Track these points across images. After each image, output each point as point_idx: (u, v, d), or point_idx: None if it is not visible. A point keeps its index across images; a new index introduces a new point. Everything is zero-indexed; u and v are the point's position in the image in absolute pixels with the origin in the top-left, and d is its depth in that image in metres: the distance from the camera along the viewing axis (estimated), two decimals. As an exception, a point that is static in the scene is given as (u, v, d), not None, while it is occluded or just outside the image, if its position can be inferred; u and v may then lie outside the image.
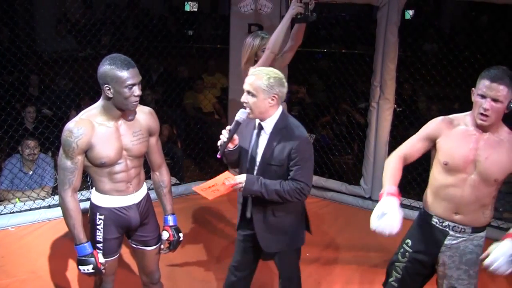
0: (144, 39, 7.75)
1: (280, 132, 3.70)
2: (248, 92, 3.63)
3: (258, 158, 3.79)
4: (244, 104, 3.66)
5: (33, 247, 5.46)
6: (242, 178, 3.69)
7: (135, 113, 3.70)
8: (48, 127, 6.64)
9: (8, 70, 6.61)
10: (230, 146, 3.77)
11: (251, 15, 6.52)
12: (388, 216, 3.24)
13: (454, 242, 3.61)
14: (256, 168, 3.82)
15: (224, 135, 3.69)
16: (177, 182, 6.70)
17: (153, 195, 4.00)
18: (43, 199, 6.03)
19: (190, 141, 7.68)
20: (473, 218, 3.55)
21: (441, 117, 3.65)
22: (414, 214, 5.48)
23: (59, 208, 5.61)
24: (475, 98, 3.39)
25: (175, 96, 7.62)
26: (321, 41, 5.22)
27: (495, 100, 3.28)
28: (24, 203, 5.84)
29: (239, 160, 3.91)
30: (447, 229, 3.62)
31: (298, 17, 4.82)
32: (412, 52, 7.81)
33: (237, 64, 6.53)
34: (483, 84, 3.31)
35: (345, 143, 7.38)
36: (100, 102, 3.56)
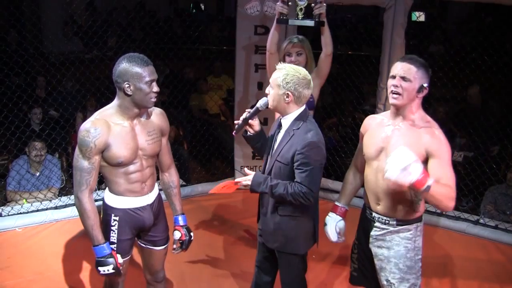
0: (150, 40, 7.77)
1: (293, 131, 3.73)
2: (271, 86, 3.72)
3: (273, 153, 3.84)
4: (267, 95, 3.76)
5: (40, 248, 5.47)
6: (249, 178, 3.74)
7: (149, 113, 3.72)
8: (55, 128, 6.65)
9: (15, 71, 6.63)
10: (251, 131, 3.92)
11: (258, 17, 6.53)
12: (326, 227, 4.04)
13: (379, 233, 3.66)
14: (268, 162, 3.89)
15: (244, 116, 3.82)
16: (183, 183, 6.71)
17: (162, 195, 4.01)
18: (50, 200, 6.04)
19: (196, 142, 7.68)
20: (394, 209, 3.56)
21: (369, 116, 3.83)
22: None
23: (65, 209, 5.69)
24: (388, 82, 3.51)
25: (181, 97, 7.62)
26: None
27: (403, 78, 3.36)
28: (31, 204, 5.85)
29: (261, 149, 4.02)
30: (374, 220, 3.70)
31: (281, 18, 4.86)
32: (419, 53, 7.82)
33: (243, 65, 6.55)
34: (394, 66, 3.45)
35: (352, 145, 7.38)
36: (115, 102, 3.58)
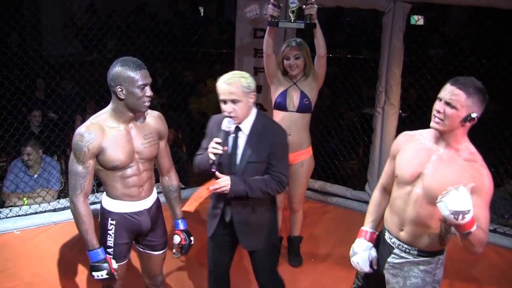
0: (150, 43, 7.77)
1: (259, 131, 3.81)
2: (233, 101, 3.69)
3: (238, 159, 3.86)
4: (229, 114, 3.72)
5: (38, 250, 5.47)
6: (226, 181, 3.75)
7: (145, 116, 3.73)
8: (54, 130, 6.65)
9: (15, 73, 6.63)
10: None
11: (257, 20, 6.54)
12: (356, 256, 3.59)
13: (397, 261, 3.45)
14: (236, 168, 3.88)
15: (217, 148, 3.70)
16: (182, 186, 6.72)
17: (162, 199, 4.03)
18: (49, 203, 6.04)
19: (195, 145, 7.66)
20: (417, 238, 3.33)
21: (403, 133, 3.56)
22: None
23: (64, 212, 5.70)
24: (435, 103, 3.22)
25: (180, 100, 7.62)
26: (326, 46, 5.27)
27: (448, 104, 3.08)
28: (30, 207, 5.85)
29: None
30: (393, 246, 3.47)
31: (272, 20, 4.87)
32: (417, 57, 7.81)
33: (242, 68, 6.55)
34: (444, 87, 3.16)
35: (350, 148, 7.38)
36: (110, 106, 3.59)
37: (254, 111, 3.84)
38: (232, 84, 3.68)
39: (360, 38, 9.44)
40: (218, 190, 3.78)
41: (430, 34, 10.42)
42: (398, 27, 5.84)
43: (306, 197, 6.23)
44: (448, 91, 3.09)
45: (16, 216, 5.75)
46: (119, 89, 3.46)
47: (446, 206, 2.83)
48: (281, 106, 5.12)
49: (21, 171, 6.33)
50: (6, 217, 5.69)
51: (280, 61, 5.10)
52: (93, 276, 3.60)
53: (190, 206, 3.83)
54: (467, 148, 3.18)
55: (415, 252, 3.37)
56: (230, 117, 3.73)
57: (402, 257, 3.42)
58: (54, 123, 7.13)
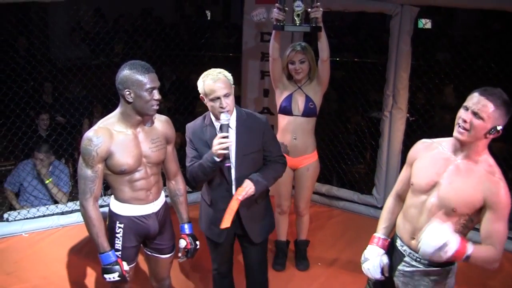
0: (157, 47, 7.78)
1: (245, 122, 3.92)
2: (226, 96, 3.79)
3: (233, 154, 3.91)
4: (225, 108, 3.80)
5: (46, 253, 5.48)
6: (249, 185, 3.85)
7: (153, 120, 3.73)
8: (62, 134, 6.66)
9: (23, 77, 6.65)
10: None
11: (264, 24, 6.54)
12: (367, 263, 3.55)
13: (408, 269, 3.43)
14: (234, 165, 3.94)
15: (226, 142, 3.72)
16: (189, 190, 6.71)
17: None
18: (56, 206, 6.05)
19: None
20: None
21: (421, 140, 3.49)
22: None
23: (72, 215, 5.71)
24: (459, 111, 3.15)
25: (187, 104, 7.63)
26: (333, 50, 5.23)
27: (475, 114, 3.01)
28: (38, 209, 5.86)
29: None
30: (405, 254, 3.44)
31: (278, 24, 4.87)
32: (425, 61, 7.79)
33: (249, 72, 6.56)
34: (470, 96, 3.09)
35: (357, 152, 7.37)
36: (118, 110, 3.60)
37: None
38: (222, 80, 3.80)
39: (368, 41, 9.44)
40: (246, 196, 3.84)
41: (438, 37, 10.40)
42: (406, 30, 5.82)
43: (313, 201, 6.24)
44: (477, 101, 3.03)
45: (24, 219, 5.76)
46: (127, 93, 3.47)
47: (426, 247, 2.96)
48: (286, 110, 5.12)
49: (29, 174, 6.35)
50: (15, 220, 5.71)
51: (285, 66, 5.10)
52: (105, 278, 3.62)
53: (226, 222, 3.85)
54: (486, 160, 3.14)
55: (426, 262, 3.32)
56: (225, 111, 3.80)
57: (412, 266, 3.40)
58: (62, 127, 7.14)
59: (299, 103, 5.08)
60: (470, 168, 3.12)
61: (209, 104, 3.85)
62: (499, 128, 3.01)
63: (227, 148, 3.71)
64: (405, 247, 3.43)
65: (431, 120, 7.68)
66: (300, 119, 5.09)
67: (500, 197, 3.02)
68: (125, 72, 3.47)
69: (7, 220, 5.70)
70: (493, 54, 6.75)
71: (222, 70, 3.92)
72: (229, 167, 3.89)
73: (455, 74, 6.45)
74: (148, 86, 3.46)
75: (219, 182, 4.01)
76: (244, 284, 4.48)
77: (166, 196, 4.03)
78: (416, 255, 3.34)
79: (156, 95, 3.52)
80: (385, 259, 3.53)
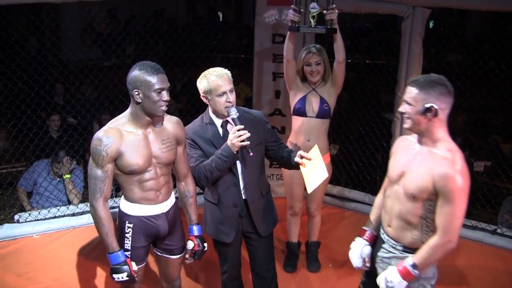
0: (169, 48, 7.79)
1: (244, 116, 4.00)
2: (230, 90, 3.94)
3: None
4: (231, 103, 3.94)
5: (57, 254, 5.48)
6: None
7: (163, 121, 3.74)
8: (73, 135, 6.68)
9: (34, 78, 6.66)
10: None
11: (275, 25, 6.53)
12: (350, 252, 3.83)
13: (386, 255, 3.60)
14: (239, 160, 4.03)
15: (245, 133, 3.83)
16: (200, 191, 6.72)
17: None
18: (67, 207, 6.06)
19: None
20: (401, 235, 3.47)
21: (400, 137, 3.79)
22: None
23: (83, 216, 5.71)
24: None
25: (199, 105, 7.61)
26: (345, 52, 5.27)
27: (407, 102, 3.29)
28: (49, 211, 5.87)
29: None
30: (384, 241, 3.63)
31: (293, 25, 4.87)
32: (437, 62, 7.77)
33: (260, 74, 6.55)
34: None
35: (369, 153, 7.35)
36: (128, 111, 3.62)
37: None
38: (225, 76, 3.96)
39: (379, 43, 9.42)
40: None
41: (449, 39, 10.37)
42: (417, 32, 5.80)
43: (324, 203, 6.24)
44: (406, 91, 3.32)
45: (35, 220, 5.77)
46: (136, 93, 3.48)
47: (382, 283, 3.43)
48: (301, 112, 5.11)
49: (40, 176, 6.37)
50: (26, 221, 5.71)
51: (300, 68, 5.10)
52: (114, 278, 3.63)
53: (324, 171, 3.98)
54: (444, 145, 3.29)
55: (401, 248, 3.50)
56: (231, 106, 3.94)
57: (390, 252, 3.57)
58: (73, 128, 7.15)
59: (313, 105, 5.08)
60: (427, 155, 3.30)
61: (214, 100, 3.94)
62: (428, 105, 3.20)
63: (246, 139, 3.80)
64: (384, 235, 3.63)
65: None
66: (314, 121, 5.09)
67: (447, 181, 3.14)
68: (135, 73, 3.49)
69: (18, 221, 5.70)
70: (505, 56, 6.69)
71: (221, 68, 4.04)
72: (244, 156, 4.00)
73: (466, 75, 6.41)
74: (156, 87, 3.47)
75: (226, 177, 4.07)
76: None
77: (177, 197, 4.03)
78: (393, 241, 3.53)
79: (165, 96, 3.52)
80: (366, 250, 3.76)
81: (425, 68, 6.03)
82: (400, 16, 5.89)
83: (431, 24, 10.54)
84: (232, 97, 3.93)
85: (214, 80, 3.93)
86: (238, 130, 3.82)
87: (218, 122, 4.04)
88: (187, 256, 4.06)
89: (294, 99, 5.19)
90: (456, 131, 7.81)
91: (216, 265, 4.62)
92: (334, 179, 6.59)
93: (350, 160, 7.19)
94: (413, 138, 3.50)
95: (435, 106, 3.20)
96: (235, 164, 4.02)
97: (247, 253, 4.45)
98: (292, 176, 5.23)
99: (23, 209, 6.32)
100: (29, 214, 5.78)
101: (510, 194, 6.32)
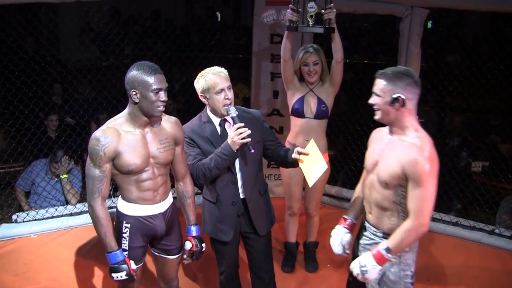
0: (167, 48, 7.78)
1: (242, 116, 4.00)
2: (228, 87, 3.97)
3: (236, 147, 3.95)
4: (229, 101, 3.98)
5: (55, 254, 5.48)
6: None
7: (161, 121, 3.74)
8: (71, 135, 6.67)
9: (32, 78, 6.66)
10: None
11: (274, 25, 6.53)
12: (331, 239, 3.96)
13: (367, 242, 3.69)
14: (238, 158, 4.05)
15: (245, 131, 3.85)
16: (199, 191, 6.72)
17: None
18: (65, 207, 6.05)
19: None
20: (381, 221, 3.57)
21: (376, 129, 3.83)
22: (436, 225, 5.48)
23: (81, 216, 5.71)
24: None
25: (197, 105, 7.61)
26: (343, 52, 5.25)
27: (375, 94, 3.45)
28: (46, 211, 5.87)
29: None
30: (366, 229, 3.74)
31: (291, 25, 4.88)
32: (435, 63, 7.77)
33: (259, 74, 6.55)
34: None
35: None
36: (126, 110, 3.62)
37: None
38: (223, 74, 3.99)
39: (378, 43, 9.42)
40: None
41: (448, 39, 10.37)
42: (416, 32, 5.80)
43: (322, 203, 6.24)
44: (374, 84, 3.47)
45: (33, 220, 5.77)
46: (134, 93, 3.48)
47: (355, 270, 3.52)
48: (299, 112, 5.12)
49: (38, 176, 6.37)
50: (23, 221, 5.71)
51: (298, 68, 5.10)
52: (113, 277, 3.63)
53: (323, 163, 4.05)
54: (413, 133, 3.40)
55: (381, 235, 3.59)
56: (229, 104, 3.97)
57: (371, 239, 3.67)
58: (71, 128, 7.15)
59: (311, 105, 5.09)
60: (397, 143, 3.42)
61: (212, 98, 3.97)
62: (396, 95, 3.33)
63: (247, 136, 3.82)
64: (366, 223, 3.74)
65: (441, 122, 7.66)
66: (312, 121, 5.10)
67: (416, 165, 3.26)
68: (133, 73, 3.49)
69: (16, 221, 5.71)
70: (504, 57, 6.70)
71: (218, 67, 4.07)
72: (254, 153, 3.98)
73: (464, 76, 6.42)
74: (154, 87, 3.48)
75: (224, 176, 4.08)
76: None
77: (174, 197, 4.03)
78: (373, 229, 3.64)
79: (163, 96, 3.52)
80: (346, 237, 3.87)
81: (423, 68, 6.04)
82: (399, 17, 5.90)
83: (430, 25, 10.53)
84: (230, 94, 3.96)
85: (211, 78, 3.96)
86: (238, 128, 3.83)
87: (216, 120, 4.06)
88: (185, 256, 4.06)
89: (292, 100, 5.19)
90: (454, 131, 7.82)
91: (214, 265, 4.62)
92: (332, 179, 6.60)
93: (348, 160, 7.19)
94: (386, 129, 3.61)
95: (402, 96, 3.32)
96: (233, 163, 4.03)
97: (245, 253, 4.45)
98: (291, 176, 5.24)
99: (21, 209, 6.33)
100: (27, 214, 5.78)
101: (508, 195, 6.33)
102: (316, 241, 5.64)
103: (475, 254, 5.59)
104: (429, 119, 7.08)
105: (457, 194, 6.60)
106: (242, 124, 3.84)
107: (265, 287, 4.43)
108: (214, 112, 4.05)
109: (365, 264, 3.45)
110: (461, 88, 6.58)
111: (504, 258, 5.50)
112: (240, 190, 4.13)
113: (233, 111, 3.91)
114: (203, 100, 4.07)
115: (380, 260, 3.41)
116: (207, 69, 4.06)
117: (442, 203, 6.50)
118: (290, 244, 5.65)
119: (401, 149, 3.36)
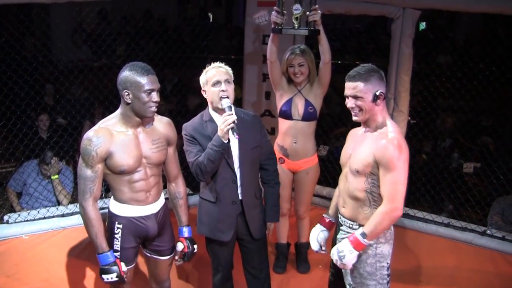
0: (159, 49, 7.77)
1: (243, 118, 4.03)
2: (227, 82, 3.99)
3: (235, 149, 4.04)
4: (226, 93, 3.98)
5: (46, 255, 5.46)
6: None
7: (153, 121, 3.75)
8: (63, 136, 6.66)
9: (24, 79, 6.64)
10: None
11: (266, 26, 6.53)
12: (310, 237, 4.18)
13: (344, 236, 3.75)
14: (237, 158, 4.07)
15: (232, 117, 3.81)
16: (191, 192, 6.70)
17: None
18: (57, 208, 6.04)
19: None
20: (354, 213, 3.68)
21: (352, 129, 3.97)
22: (428, 226, 5.48)
23: (72, 217, 5.69)
24: None
25: (189, 106, 7.61)
26: (335, 53, 5.24)
27: (354, 97, 3.53)
28: (38, 211, 5.85)
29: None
30: (342, 223, 3.82)
31: (276, 27, 4.90)
32: (426, 64, 7.78)
33: (250, 75, 6.55)
34: (345, 86, 3.58)
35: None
36: (118, 111, 3.63)
37: None
38: (222, 69, 4.04)
39: (369, 44, 9.42)
40: None
41: (439, 41, 10.39)
42: (407, 33, 5.81)
43: (313, 204, 6.24)
44: (348, 88, 3.57)
45: (24, 221, 5.75)
46: (126, 93, 3.49)
47: (335, 257, 3.67)
48: (287, 114, 5.13)
49: (31, 173, 6.36)
50: (15, 222, 5.69)
51: (285, 69, 5.10)
52: (103, 279, 3.64)
53: None
54: (384, 123, 3.60)
55: (357, 227, 3.67)
56: (225, 97, 3.97)
57: (348, 233, 3.74)
58: (63, 129, 7.13)
59: (298, 108, 5.09)
60: (370, 134, 3.61)
61: (210, 91, 4.01)
62: (378, 92, 3.52)
63: (233, 122, 3.79)
64: (341, 217, 3.83)
65: (433, 123, 7.67)
66: (300, 124, 5.10)
67: (385, 151, 3.45)
68: (125, 73, 3.50)
69: (7, 222, 5.68)
70: (495, 58, 6.72)
71: (220, 62, 4.15)
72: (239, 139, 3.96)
73: (456, 77, 6.43)
74: (146, 87, 3.48)
75: (224, 174, 4.08)
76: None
77: (166, 198, 4.03)
78: (349, 222, 3.74)
79: (155, 97, 3.53)
80: (322, 235, 4.09)
81: (415, 69, 6.05)
82: (390, 18, 5.90)
83: (422, 26, 10.55)
84: (227, 88, 3.97)
85: (210, 71, 4.04)
86: (226, 116, 3.84)
87: (218, 119, 4.03)
88: (176, 257, 4.07)
89: (280, 101, 5.20)
90: (446, 133, 7.83)
91: (206, 266, 4.62)
92: (323, 180, 6.60)
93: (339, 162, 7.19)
94: (361, 127, 3.77)
95: (383, 91, 3.55)
96: (233, 162, 4.05)
97: (238, 254, 4.45)
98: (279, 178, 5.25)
99: (12, 210, 6.32)
100: (19, 215, 5.76)
101: (499, 196, 6.34)
102: (308, 242, 5.62)
103: (466, 255, 5.59)
104: (420, 120, 7.08)
105: (449, 195, 6.62)
106: (231, 113, 3.84)
107: (261, 286, 4.44)
108: (216, 110, 4.06)
109: (342, 250, 3.57)
110: (452, 89, 6.60)
111: (495, 259, 5.50)
112: (239, 190, 4.14)
113: (225, 102, 3.92)
114: (204, 95, 4.11)
115: (357, 245, 3.53)
116: (212, 65, 4.14)
117: (434, 204, 6.53)
118: (281, 245, 5.66)
119: (371, 139, 3.55)
